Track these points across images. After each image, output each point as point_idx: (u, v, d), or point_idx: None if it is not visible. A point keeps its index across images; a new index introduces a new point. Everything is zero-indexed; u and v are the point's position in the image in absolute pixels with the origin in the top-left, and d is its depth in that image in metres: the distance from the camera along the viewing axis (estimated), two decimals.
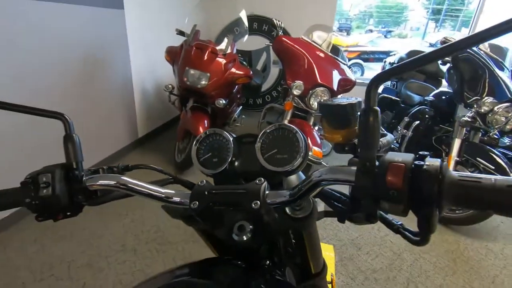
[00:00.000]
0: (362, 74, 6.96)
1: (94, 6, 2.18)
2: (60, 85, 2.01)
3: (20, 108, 0.42)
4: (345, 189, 0.40)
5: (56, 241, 1.71)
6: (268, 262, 0.52)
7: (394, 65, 0.29)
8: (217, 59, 2.38)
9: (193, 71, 2.29)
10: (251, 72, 2.63)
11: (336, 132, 0.37)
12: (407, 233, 0.31)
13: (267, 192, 0.40)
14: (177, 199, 0.43)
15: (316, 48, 2.32)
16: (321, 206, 0.45)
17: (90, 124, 2.31)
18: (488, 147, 1.89)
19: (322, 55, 2.31)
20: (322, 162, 2.02)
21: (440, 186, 0.25)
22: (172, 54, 2.56)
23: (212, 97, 2.40)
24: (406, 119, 2.50)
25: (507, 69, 2.00)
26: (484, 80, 1.87)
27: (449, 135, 2.10)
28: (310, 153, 1.95)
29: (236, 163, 0.52)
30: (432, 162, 0.26)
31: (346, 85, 2.39)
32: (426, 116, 2.36)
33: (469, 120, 1.92)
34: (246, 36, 2.74)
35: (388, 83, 3.69)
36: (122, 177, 0.44)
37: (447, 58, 2.09)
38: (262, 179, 0.42)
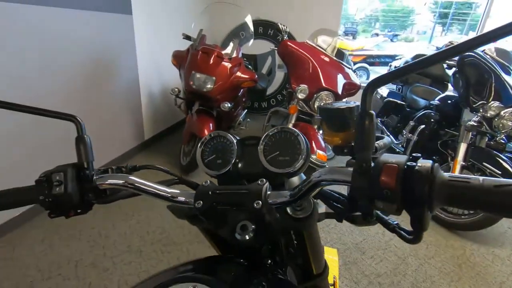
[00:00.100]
0: (367, 78, 6.94)
1: (104, 12, 2.24)
2: (70, 88, 2.06)
3: (35, 110, 0.45)
4: (344, 190, 0.42)
5: (64, 240, 1.75)
6: (269, 261, 0.54)
7: (391, 70, 0.30)
8: (223, 63, 2.41)
9: (199, 75, 2.32)
10: (256, 76, 2.66)
11: (335, 134, 0.38)
12: (402, 232, 0.32)
13: (268, 192, 0.42)
14: (182, 198, 0.45)
15: (320, 52, 2.34)
16: (322, 207, 0.47)
17: (97, 127, 2.36)
18: (494, 152, 1.88)
19: (326, 59, 2.32)
20: (327, 166, 2.03)
21: (431, 186, 0.26)
22: (179, 58, 2.60)
23: (217, 100, 2.43)
24: (412, 123, 2.49)
25: None
26: (490, 84, 1.86)
27: (455, 140, 2.09)
28: (314, 157, 1.96)
29: (240, 165, 0.53)
30: (424, 163, 0.28)
31: (351, 89, 2.40)
32: (432, 120, 2.35)
33: (475, 124, 1.91)
34: (252, 41, 2.77)
35: (394, 87, 3.68)
36: (130, 177, 0.46)
37: (452, 62, 2.09)
38: (264, 180, 0.43)
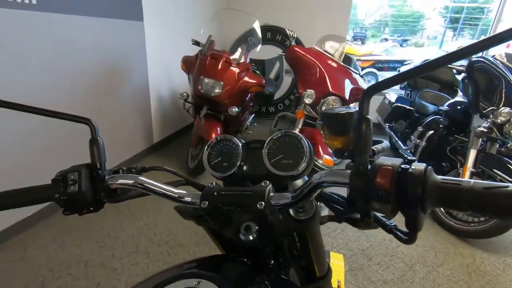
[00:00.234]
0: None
1: (116, 19, 2.31)
2: (83, 92, 2.12)
3: (52, 113, 0.48)
4: (345, 193, 0.43)
5: (75, 240, 1.79)
6: (272, 262, 0.55)
7: (387, 77, 0.32)
8: (231, 68, 2.45)
9: (207, 80, 2.36)
10: (264, 81, 2.69)
11: (335, 138, 0.40)
12: (398, 232, 0.33)
13: (271, 194, 0.43)
14: (188, 199, 0.47)
15: (328, 57, 2.35)
16: (325, 211, 0.48)
17: (109, 129, 2.42)
18: (506, 158, 1.85)
19: (334, 64, 2.33)
20: None
21: (423, 188, 0.27)
22: (188, 64, 2.65)
23: (225, 105, 2.46)
24: (420, 128, 2.47)
25: None
26: (501, 89, 1.84)
27: (464, 146, 2.06)
28: (320, 161, 1.97)
29: (245, 167, 0.55)
30: (417, 166, 0.29)
31: (358, 94, 2.40)
32: (441, 126, 2.32)
33: (485, 130, 1.88)
34: (259, 46, 2.80)
35: (402, 92, 3.66)
36: (139, 177, 0.48)
37: (461, 68, 2.07)
38: (268, 182, 0.45)
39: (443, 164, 2.26)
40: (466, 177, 1.93)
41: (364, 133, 0.31)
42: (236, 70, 2.47)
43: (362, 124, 0.31)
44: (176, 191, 0.48)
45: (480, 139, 1.92)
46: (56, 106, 1.90)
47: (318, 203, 0.47)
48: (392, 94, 3.38)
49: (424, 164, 0.29)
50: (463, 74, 2.13)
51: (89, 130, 0.48)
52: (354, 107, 0.42)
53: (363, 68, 6.90)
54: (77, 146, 1.83)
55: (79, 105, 2.10)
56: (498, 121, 1.82)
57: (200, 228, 0.54)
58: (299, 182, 0.56)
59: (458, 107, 2.30)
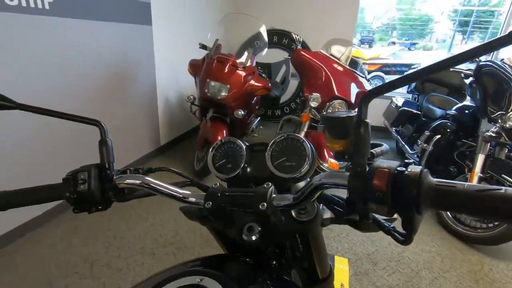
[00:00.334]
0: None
1: (126, 23, 2.37)
2: (93, 95, 2.17)
3: (62, 115, 0.49)
4: (345, 195, 0.44)
5: (82, 240, 1.82)
6: (275, 262, 0.56)
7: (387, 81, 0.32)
8: (237, 71, 2.47)
9: (213, 83, 2.39)
10: (270, 84, 2.70)
11: (336, 142, 0.41)
12: (396, 234, 0.34)
13: (274, 195, 0.44)
14: (193, 199, 0.48)
15: (334, 61, 2.36)
16: (327, 213, 0.49)
17: (117, 131, 2.46)
18: None
19: (340, 68, 2.34)
20: None
21: (418, 190, 0.28)
22: (195, 67, 2.68)
23: (231, 108, 2.48)
24: (427, 133, 2.45)
25: None
26: (509, 94, 1.82)
27: (472, 151, 2.04)
28: (326, 165, 1.97)
29: (248, 169, 0.56)
30: (413, 168, 0.30)
31: None
32: (448, 130, 2.30)
33: (494, 135, 1.86)
34: (266, 50, 2.82)
35: (409, 96, 3.63)
36: (146, 178, 0.50)
37: (469, 72, 2.05)
38: (270, 183, 0.46)
39: (451, 169, 2.24)
40: (474, 182, 1.90)
41: (363, 136, 0.32)
42: (242, 73, 2.49)
43: (361, 127, 0.32)
44: (181, 191, 0.49)
45: (489, 144, 1.90)
46: (66, 108, 1.94)
47: (321, 205, 0.48)
48: (399, 98, 3.36)
49: (420, 167, 0.30)
50: (470, 78, 2.11)
51: (93, 132, 0.50)
52: (355, 111, 0.43)
53: (370, 72, 6.87)
54: (79, 145, 1.88)
55: (89, 107, 2.15)
56: (507, 125, 1.80)
57: (205, 230, 0.55)
58: (301, 185, 0.57)
59: (466, 112, 2.27)
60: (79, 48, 2.00)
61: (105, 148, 0.49)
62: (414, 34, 17.76)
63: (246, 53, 2.62)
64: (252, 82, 2.55)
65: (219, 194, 0.45)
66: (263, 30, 2.82)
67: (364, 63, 6.34)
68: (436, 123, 2.46)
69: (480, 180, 1.90)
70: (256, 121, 3.21)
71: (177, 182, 0.56)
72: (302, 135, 2.10)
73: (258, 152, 0.57)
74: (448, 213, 2.09)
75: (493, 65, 1.88)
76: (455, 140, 2.26)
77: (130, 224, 2.00)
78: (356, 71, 2.46)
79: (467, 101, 2.65)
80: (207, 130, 2.49)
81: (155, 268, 1.64)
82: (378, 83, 6.91)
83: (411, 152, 2.70)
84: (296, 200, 0.43)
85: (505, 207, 0.24)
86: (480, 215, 0.26)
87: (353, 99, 2.23)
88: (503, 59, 1.98)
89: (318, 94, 2.13)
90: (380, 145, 0.49)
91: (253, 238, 0.43)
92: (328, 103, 2.16)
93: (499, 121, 1.84)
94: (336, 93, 2.16)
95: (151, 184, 0.49)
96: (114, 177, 0.49)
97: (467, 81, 2.43)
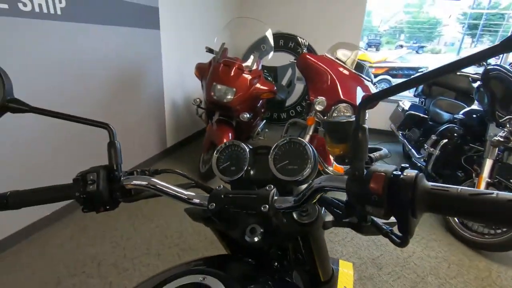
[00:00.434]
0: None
1: (134, 27, 2.42)
2: (101, 97, 2.22)
3: (73, 118, 0.52)
4: (345, 198, 0.44)
5: (90, 240, 1.85)
6: (276, 264, 0.57)
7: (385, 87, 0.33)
8: (243, 75, 2.49)
9: (220, 86, 2.42)
10: (275, 88, 2.72)
11: (336, 146, 0.42)
12: (393, 236, 0.34)
13: (275, 197, 0.46)
14: (197, 200, 0.50)
15: (339, 65, 2.36)
16: (329, 216, 0.50)
17: (124, 133, 2.51)
18: None
19: (345, 72, 2.34)
20: None
21: (413, 193, 0.29)
22: (201, 70, 2.72)
23: (237, 111, 2.50)
24: (434, 137, 2.43)
25: None
26: None
27: (480, 155, 2.02)
28: (330, 168, 1.97)
29: (252, 172, 0.58)
30: (409, 172, 0.31)
31: None
32: (455, 134, 2.28)
33: (502, 140, 1.84)
34: (271, 53, 2.84)
35: (416, 100, 3.60)
36: (152, 179, 0.51)
37: (476, 76, 2.03)
38: (272, 186, 0.47)
39: (458, 173, 2.21)
40: (481, 187, 1.88)
41: (360, 141, 0.33)
42: (248, 77, 2.52)
43: (359, 132, 0.33)
44: (185, 193, 0.51)
45: (497, 148, 1.88)
46: (76, 109, 1.99)
47: (322, 209, 0.49)
48: (406, 101, 3.34)
49: (416, 171, 0.30)
50: (478, 82, 2.09)
51: (99, 132, 0.52)
52: (355, 116, 0.44)
53: (377, 75, 6.84)
54: (86, 145, 1.92)
55: (98, 109, 2.20)
56: None
57: (209, 232, 0.56)
58: (303, 187, 0.58)
59: (474, 116, 2.24)
60: (88, 52, 2.05)
61: (113, 150, 0.51)
62: (422, 37, 17.61)
63: (252, 57, 2.64)
64: (258, 85, 2.57)
65: (222, 196, 0.47)
66: (269, 34, 2.84)
67: (371, 66, 6.31)
68: (443, 127, 2.43)
69: (488, 185, 1.87)
70: (262, 124, 3.23)
71: (182, 184, 0.58)
72: (307, 138, 2.11)
73: (261, 155, 0.58)
74: (455, 218, 2.07)
75: (501, 69, 1.86)
76: (463, 144, 2.24)
77: (136, 225, 2.03)
78: (362, 75, 2.46)
79: (475, 105, 2.61)
80: (213, 133, 2.51)
81: (160, 269, 1.65)
82: (385, 86, 6.87)
83: (417, 156, 2.67)
84: (297, 202, 0.44)
85: (496, 211, 0.25)
86: (474, 219, 0.27)
87: (358, 103, 2.23)
88: (511, 63, 1.96)
89: (324, 98, 2.13)
90: (380, 149, 0.49)
91: (256, 239, 0.44)
92: (333, 107, 2.16)
93: (507, 125, 1.81)
94: (342, 96, 2.16)
95: (157, 186, 0.50)
96: (122, 178, 0.51)
97: (475, 85, 2.40)
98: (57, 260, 1.68)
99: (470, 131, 2.22)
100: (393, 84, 0.31)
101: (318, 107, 2.13)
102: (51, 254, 1.72)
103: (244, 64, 2.56)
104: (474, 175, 2.00)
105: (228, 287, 0.39)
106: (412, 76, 0.30)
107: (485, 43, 14.73)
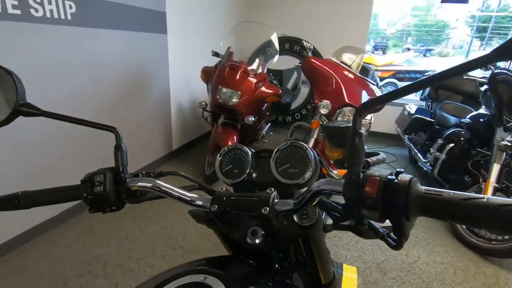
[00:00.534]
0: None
1: (142, 32, 2.47)
2: (109, 100, 2.26)
3: (82, 121, 0.53)
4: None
5: (96, 241, 1.88)
6: (277, 266, 0.58)
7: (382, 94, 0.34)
8: (248, 78, 2.51)
9: (225, 90, 2.44)
10: (280, 91, 2.73)
11: (335, 150, 0.43)
12: (389, 239, 0.35)
13: (276, 200, 0.47)
14: (199, 202, 0.51)
15: (344, 68, 2.36)
16: (330, 220, 0.50)
17: (131, 136, 2.55)
18: None
19: (350, 75, 2.34)
20: None
21: (407, 197, 0.30)
22: (207, 74, 2.75)
23: (242, 114, 2.52)
24: (440, 141, 2.41)
25: None
26: None
27: (487, 160, 1.99)
28: (335, 172, 1.96)
29: (254, 175, 0.59)
30: (403, 177, 0.31)
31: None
32: (462, 138, 2.25)
33: (509, 144, 1.82)
34: (277, 57, 2.86)
35: (423, 103, 3.57)
36: (157, 181, 0.53)
37: (483, 80, 2.02)
38: (273, 189, 0.48)
39: (465, 178, 2.18)
40: (489, 193, 1.85)
41: (357, 146, 0.34)
42: (253, 80, 2.53)
43: (355, 138, 0.34)
44: (189, 194, 0.52)
45: (504, 153, 1.85)
46: (84, 112, 2.03)
47: (323, 213, 0.50)
48: (412, 105, 3.32)
49: (410, 176, 0.31)
50: (485, 86, 2.07)
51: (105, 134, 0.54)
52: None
53: (383, 79, 6.80)
54: (89, 148, 1.95)
55: (106, 112, 2.24)
56: None
57: (213, 235, 0.58)
58: (303, 191, 0.59)
59: (481, 120, 2.22)
60: (97, 56, 2.09)
61: (119, 153, 0.53)
62: (430, 40, 17.46)
63: (257, 60, 2.66)
64: (263, 88, 2.59)
65: (224, 198, 0.48)
66: (274, 38, 2.86)
67: (377, 70, 6.28)
68: (450, 131, 2.41)
69: (496, 190, 1.85)
70: (267, 127, 3.24)
71: (186, 186, 0.59)
72: (311, 141, 2.11)
73: (263, 158, 0.60)
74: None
75: (509, 72, 1.85)
76: (469, 149, 2.21)
77: (142, 226, 2.05)
78: (367, 78, 2.46)
79: (483, 109, 2.58)
80: (218, 136, 2.53)
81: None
82: (391, 89, 6.82)
83: (424, 160, 2.65)
84: (296, 205, 0.45)
85: (486, 215, 0.26)
86: (466, 223, 0.28)
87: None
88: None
89: (328, 101, 2.13)
90: (377, 154, 0.50)
91: (257, 241, 0.45)
92: (338, 110, 2.16)
93: None
94: (347, 100, 2.16)
95: (162, 187, 0.52)
96: (128, 180, 0.53)
97: (482, 89, 2.38)
98: (64, 261, 1.71)
99: (477, 136, 2.19)
100: (399, 87, 0.31)
101: (323, 111, 2.14)
102: (59, 254, 1.76)
103: (249, 68, 2.58)
104: (481, 180, 1.98)
105: (228, 287, 0.40)
106: (404, 85, 0.30)
107: (494, 46, 14.50)
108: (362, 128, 2.22)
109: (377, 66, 6.60)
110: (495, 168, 1.86)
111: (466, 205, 0.27)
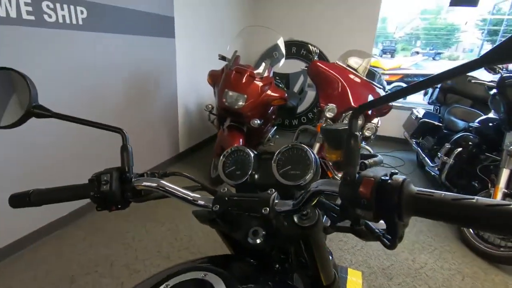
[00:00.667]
0: (404, 98, 6.68)
1: (151, 36, 2.52)
2: (117, 103, 2.31)
3: (90, 123, 0.56)
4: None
5: (103, 241, 1.91)
6: (278, 266, 0.59)
7: (382, 95, 0.35)
8: (254, 82, 2.53)
9: (231, 93, 2.46)
10: (286, 94, 2.74)
11: (333, 152, 0.44)
12: (384, 240, 0.36)
13: (276, 201, 0.48)
14: (202, 202, 0.53)
15: (350, 72, 2.36)
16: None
17: (138, 137, 2.59)
18: None
19: (356, 79, 2.34)
20: None
21: (399, 197, 0.30)
22: (214, 77, 2.78)
23: (248, 117, 2.53)
24: (448, 145, 2.38)
25: None
26: None
27: (496, 165, 1.96)
28: (340, 175, 1.96)
29: (256, 176, 0.60)
30: (397, 178, 0.32)
31: (382, 109, 2.38)
32: (470, 143, 2.22)
33: None
34: (283, 61, 2.87)
35: (431, 107, 3.54)
36: (161, 181, 0.55)
37: (492, 84, 1.99)
38: (273, 190, 0.49)
39: (474, 183, 2.15)
40: (498, 198, 1.82)
41: (353, 148, 0.35)
42: (259, 83, 2.55)
43: (351, 140, 0.35)
44: (192, 195, 0.54)
45: None
46: (93, 114, 2.07)
47: (324, 217, 0.51)
48: (420, 109, 3.29)
49: (403, 177, 0.32)
50: (494, 90, 2.04)
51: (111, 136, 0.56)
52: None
53: (391, 82, 6.75)
54: (97, 148, 1.99)
55: (114, 114, 2.29)
56: None
57: (218, 236, 0.59)
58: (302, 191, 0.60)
59: (490, 124, 2.19)
60: (106, 60, 2.14)
61: (125, 154, 0.55)
62: (439, 43, 17.27)
63: (263, 64, 2.68)
64: (269, 92, 2.61)
65: (226, 198, 0.49)
66: (281, 42, 2.88)
67: (384, 74, 6.24)
68: (458, 136, 2.38)
69: (505, 196, 1.82)
70: (273, 130, 3.25)
71: (189, 186, 0.61)
72: (317, 145, 2.11)
73: (265, 160, 0.61)
74: (470, 230, 2.01)
75: None
76: (478, 153, 2.18)
77: (148, 227, 2.08)
78: (374, 82, 2.45)
79: (492, 114, 2.54)
80: (224, 139, 2.55)
81: None
82: None
83: (431, 165, 2.62)
84: (295, 205, 0.46)
85: (475, 215, 0.27)
86: (457, 223, 0.28)
87: (370, 111, 2.22)
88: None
89: (334, 105, 2.14)
90: (375, 156, 0.51)
91: (258, 241, 0.46)
92: (344, 114, 2.16)
93: None
94: (352, 104, 2.16)
95: (166, 187, 0.54)
96: (133, 180, 0.55)
97: (491, 93, 2.35)
98: (72, 259, 1.74)
99: (486, 140, 2.16)
100: (392, 91, 0.32)
101: (329, 114, 2.14)
102: (66, 252, 1.79)
103: (255, 71, 2.60)
104: (490, 185, 1.95)
105: (228, 284, 0.41)
106: (395, 90, 0.31)
107: None
108: (367, 131, 2.23)
109: (384, 70, 6.56)
110: (505, 173, 1.83)
111: (456, 205, 0.28)
